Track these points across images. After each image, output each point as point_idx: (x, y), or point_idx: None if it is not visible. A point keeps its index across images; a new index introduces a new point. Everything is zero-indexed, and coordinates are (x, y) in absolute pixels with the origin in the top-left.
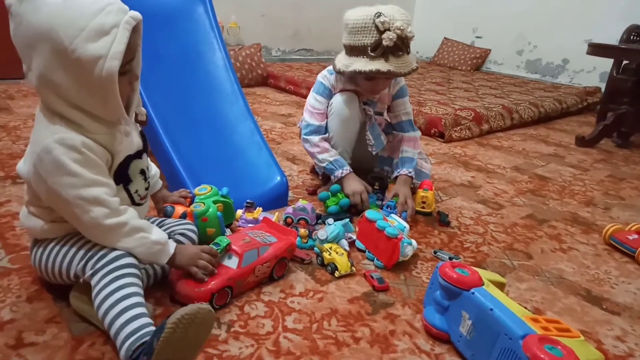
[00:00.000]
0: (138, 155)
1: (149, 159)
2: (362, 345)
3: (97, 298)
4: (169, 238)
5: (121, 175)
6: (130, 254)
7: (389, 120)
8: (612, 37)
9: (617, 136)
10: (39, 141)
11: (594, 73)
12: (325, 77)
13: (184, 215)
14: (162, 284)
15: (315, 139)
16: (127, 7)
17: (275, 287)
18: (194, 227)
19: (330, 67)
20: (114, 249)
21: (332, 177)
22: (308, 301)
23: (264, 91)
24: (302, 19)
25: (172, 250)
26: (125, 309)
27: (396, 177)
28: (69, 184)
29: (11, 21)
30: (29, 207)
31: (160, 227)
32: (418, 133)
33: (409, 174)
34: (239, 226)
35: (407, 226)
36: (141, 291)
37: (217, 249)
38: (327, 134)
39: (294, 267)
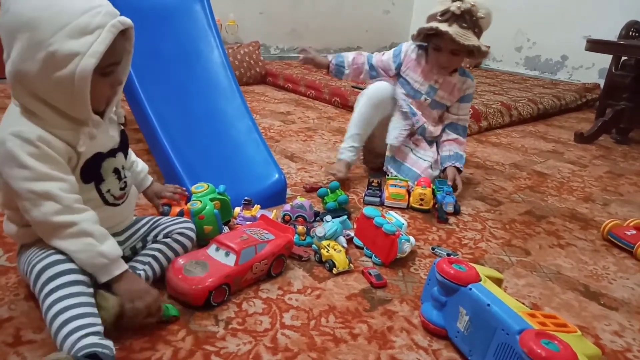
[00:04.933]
0: (112, 153)
1: (129, 157)
2: (360, 342)
3: (42, 312)
4: (167, 237)
5: (91, 174)
6: (67, 259)
7: (446, 120)
8: (610, 33)
9: (616, 132)
10: None
11: (593, 69)
12: (407, 45)
13: (181, 213)
14: (160, 281)
15: (363, 55)
16: (117, 12)
17: (273, 284)
18: (192, 226)
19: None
20: (43, 259)
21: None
22: (306, 298)
23: (263, 89)
24: (300, 17)
25: (116, 273)
26: (59, 328)
27: (445, 168)
28: (20, 176)
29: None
30: (4, 210)
31: (157, 227)
32: (465, 138)
33: (457, 165)
34: (237, 223)
35: (405, 223)
36: (76, 300)
37: (170, 314)
38: (368, 71)
39: (291, 264)
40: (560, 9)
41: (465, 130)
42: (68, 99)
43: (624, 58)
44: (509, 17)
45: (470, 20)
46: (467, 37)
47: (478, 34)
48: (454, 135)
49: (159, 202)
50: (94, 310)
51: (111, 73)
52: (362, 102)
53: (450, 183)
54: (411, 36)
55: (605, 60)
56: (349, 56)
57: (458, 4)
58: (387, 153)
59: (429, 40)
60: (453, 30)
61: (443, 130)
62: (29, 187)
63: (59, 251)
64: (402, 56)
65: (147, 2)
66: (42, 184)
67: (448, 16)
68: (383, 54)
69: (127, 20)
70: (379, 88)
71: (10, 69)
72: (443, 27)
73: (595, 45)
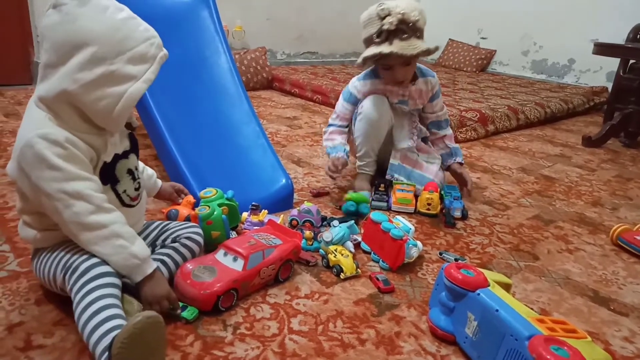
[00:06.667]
0: (125, 155)
1: (138, 160)
2: (368, 347)
3: (75, 313)
4: (175, 242)
5: (108, 175)
6: (105, 262)
7: (426, 120)
8: (618, 36)
9: (624, 136)
10: (24, 136)
11: (601, 73)
12: (353, 85)
13: (188, 218)
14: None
15: (330, 129)
16: (161, 42)
17: (280, 289)
18: (199, 231)
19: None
20: (89, 259)
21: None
22: (313, 303)
23: (269, 94)
24: (306, 22)
25: (149, 270)
26: (98, 324)
27: (449, 165)
28: (51, 177)
29: (56, 15)
30: (22, 216)
31: (165, 231)
32: (449, 128)
33: (458, 160)
34: (245, 229)
35: (413, 228)
36: (117, 301)
37: (183, 314)
38: (345, 129)
39: (299, 269)
40: (567, 13)
41: (447, 122)
42: (108, 112)
43: (632, 61)
44: (516, 20)
45: (408, 28)
46: (413, 47)
47: (420, 36)
48: (440, 133)
49: (176, 195)
50: (123, 313)
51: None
52: (363, 125)
53: (460, 172)
54: (356, 65)
55: (613, 63)
56: (335, 139)
57: (390, 19)
58: (393, 160)
59: (375, 63)
60: (397, 47)
61: (428, 129)
62: (60, 188)
63: None
64: (358, 96)
65: (155, 8)
66: (73, 184)
67: (385, 35)
68: (340, 112)
69: (167, 53)
70: (374, 105)
71: (61, 75)
72: (385, 48)
73: (603, 49)
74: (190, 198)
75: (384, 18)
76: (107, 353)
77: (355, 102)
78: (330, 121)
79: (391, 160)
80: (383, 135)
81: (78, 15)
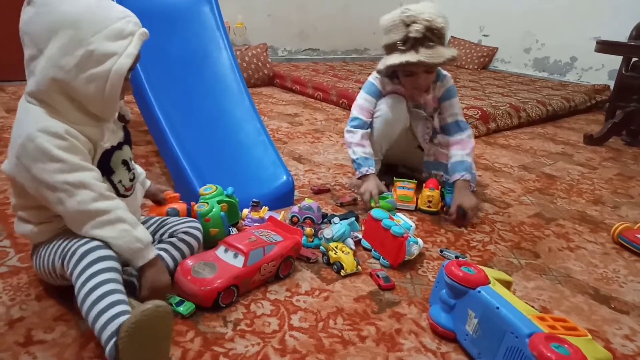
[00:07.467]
0: (119, 146)
1: (131, 151)
2: (368, 344)
3: (78, 298)
4: (172, 237)
5: (103, 166)
6: (106, 245)
7: (441, 123)
8: (620, 34)
9: (626, 134)
10: (22, 131)
11: (603, 71)
12: (375, 78)
13: (189, 212)
14: None
15: (360, 132)
16: (139, 22)
17: (281, 285)
18: (198, 225)
19: None
20: (87, 243)
21: (357, 173)
22: (314, 300)
23: (270, 91)
24: (308, 19)
25: (151, 256)
26: (103, 310)
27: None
28: (54, 169)
29: (31, 8)
30: (18, 212)
31: (163, 226)
32: (466, 133)
33: (463, 178)
34: (245, 225)
35: (413, 225)
36: (120, 287)
37: (179, 309)
38: (369, 130)
39: (299, 266)
40: (569, 10)
41: (457, 126)
42: (99, 96)
43: (634, 59)
44: (518, 18)
45: (434, 35)
46: (439, 55)
47: (444, 43)
48: (455, 138)
49: (162, 196)
50: (126, 298)
51: (128, 78)
52: (379, 123)
53: (455, 197)
54: (377, 71)
55: (615, 61)
56: (366, 147)
57: (416, 26)
58: (427, 158)
59: (397, 70)
60: (423, 56)
61: (444, 132)
62: (64, 179)
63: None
64: (381, 91)
65: (156, 4)
66: (76, 174)
67: (411, 43)
68: (362, 105)
69: (147, 32)
70: (392, 106)
71: (46, 63)
72: (412, 57)
73: (605, 47)
74: (170, 192)
75: (409, 25)
76: (114, 338)
77: (378, 95)
78: (355, 113)
79: (425, 159)
80: (395, 135)
81: (50, 3)
